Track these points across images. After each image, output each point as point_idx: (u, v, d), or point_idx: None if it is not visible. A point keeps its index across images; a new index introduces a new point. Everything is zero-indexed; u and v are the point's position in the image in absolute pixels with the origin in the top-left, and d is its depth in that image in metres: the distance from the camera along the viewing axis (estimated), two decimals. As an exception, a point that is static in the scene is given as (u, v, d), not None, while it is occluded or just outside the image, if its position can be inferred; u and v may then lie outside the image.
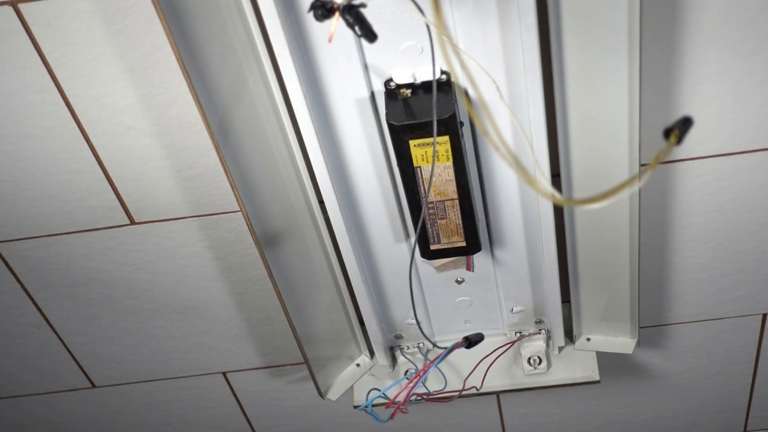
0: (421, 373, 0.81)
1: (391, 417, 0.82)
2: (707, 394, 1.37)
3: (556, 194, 0.54)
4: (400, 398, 0.80)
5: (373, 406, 0.85)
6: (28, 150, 0.99)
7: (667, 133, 0.55)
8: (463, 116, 0.88)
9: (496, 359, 1.13)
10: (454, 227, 0.94)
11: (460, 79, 0.84)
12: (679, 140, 0.55)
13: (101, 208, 1.06)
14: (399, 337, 1.16)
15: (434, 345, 1.12)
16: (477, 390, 1.13)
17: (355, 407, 0.91)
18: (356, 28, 0.67)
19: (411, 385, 0.81)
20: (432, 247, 0.97)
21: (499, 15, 0.80)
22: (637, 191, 0.94)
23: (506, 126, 0.89)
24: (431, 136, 0.84)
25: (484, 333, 1.11)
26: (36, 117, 0.96)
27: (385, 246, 1.04)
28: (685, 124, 0.56)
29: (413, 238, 0.99)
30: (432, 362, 0.81)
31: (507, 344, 1.14)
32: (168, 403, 1.40)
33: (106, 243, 1.11)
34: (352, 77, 0.86)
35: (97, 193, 1.04)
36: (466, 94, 0.86)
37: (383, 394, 0.85)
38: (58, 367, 1.32)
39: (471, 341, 0.80)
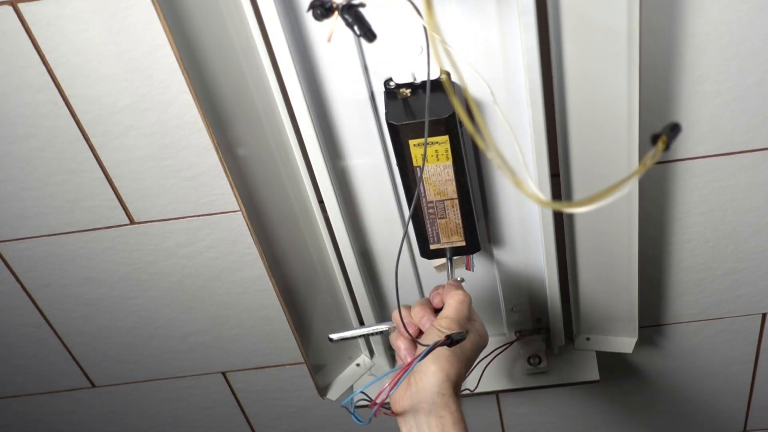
0: (401, 373, 0.80)
1: (374, 415, 0.80)
2: (707, 394, 1.37)
3: (542, 197, 0.55)
4: (381, 398, 0.80)
5: (357, 407, 0.83)
6: (28, 150, 0.99)
7: (655, 139, 0.55)
8: (462, 116, 0.88)
9: (495, 358, 1.13)
10: (454, 227, 0.94)
11: (455, 78, 0.84)
12: (667, 146, 0.55)
13: (101, 208, 1.06)
14: (399, 336, 1.17)
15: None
16: (475, 390, 1.13)
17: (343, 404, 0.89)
18: (355, 28, 0.67)
19: (391, 385, 0.80)
20: (432, 247, 0.97)
21: (498, 15, 0.80)
22: (637, 191, 0.94)
23: (504, 128, 0.89)
24: (432, 135, 0.85)
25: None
26: (36, 117, 0.96)
27: (385, 246, 1.04)
28: (674, 130, 0.55)
29: (411, 237, 0.99)
30: (412, 361, 0.81)
31: (506, 344, 1.14)
32: (168, 403, 1.40)
33: (105, 243, 1.11)
34: (352, 77, 0.86)
35: (96, 193, 1.04)
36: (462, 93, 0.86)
37: (364, 393, 0.83)
38: (57, 367, 1.32)
39: (453, 339, 0.81)
